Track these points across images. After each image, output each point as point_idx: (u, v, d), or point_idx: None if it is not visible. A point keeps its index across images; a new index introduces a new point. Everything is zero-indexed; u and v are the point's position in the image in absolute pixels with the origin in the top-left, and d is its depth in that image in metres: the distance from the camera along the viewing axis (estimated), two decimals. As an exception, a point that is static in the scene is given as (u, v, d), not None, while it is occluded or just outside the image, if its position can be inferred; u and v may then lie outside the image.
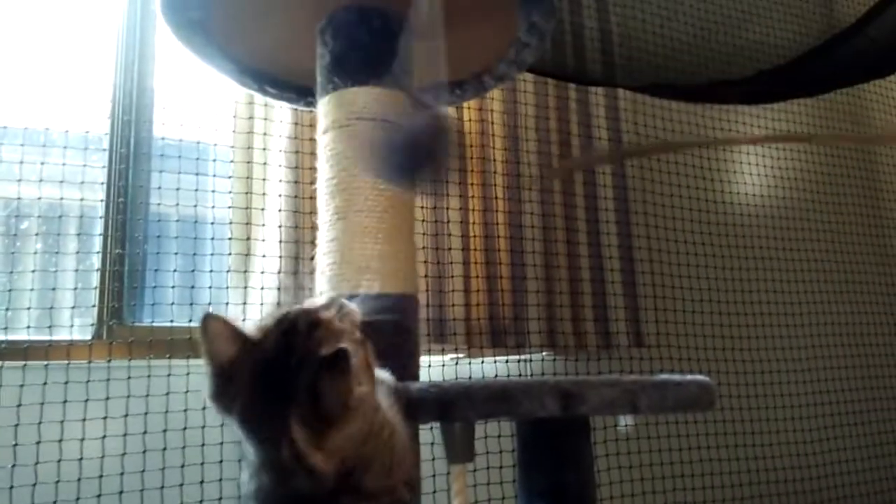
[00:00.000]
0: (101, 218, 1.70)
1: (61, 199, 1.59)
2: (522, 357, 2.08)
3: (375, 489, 0.62)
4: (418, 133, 0.88)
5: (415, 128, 0.90)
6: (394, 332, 0.97)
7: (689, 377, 0.93)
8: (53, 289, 1.56)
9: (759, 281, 2.61)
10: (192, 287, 1.65)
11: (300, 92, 1.29)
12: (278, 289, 1.69)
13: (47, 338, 1.54)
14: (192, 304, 1.64)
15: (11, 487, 1.39)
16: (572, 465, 0.99)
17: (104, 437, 1.49)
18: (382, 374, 0.71)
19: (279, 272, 1.70)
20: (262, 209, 1.77)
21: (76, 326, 1.62)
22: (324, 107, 1.04)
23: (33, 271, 1.58)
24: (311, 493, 0.60)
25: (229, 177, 1.77)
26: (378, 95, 1.02)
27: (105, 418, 1.50)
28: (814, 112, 2.89)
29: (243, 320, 0.66)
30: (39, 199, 1.60)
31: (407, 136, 0.89)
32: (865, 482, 2.55)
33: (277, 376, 0.59)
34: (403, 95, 1.04)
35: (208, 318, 0.61)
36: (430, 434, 1.55)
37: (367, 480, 0.62)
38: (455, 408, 0.83)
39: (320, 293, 0.98)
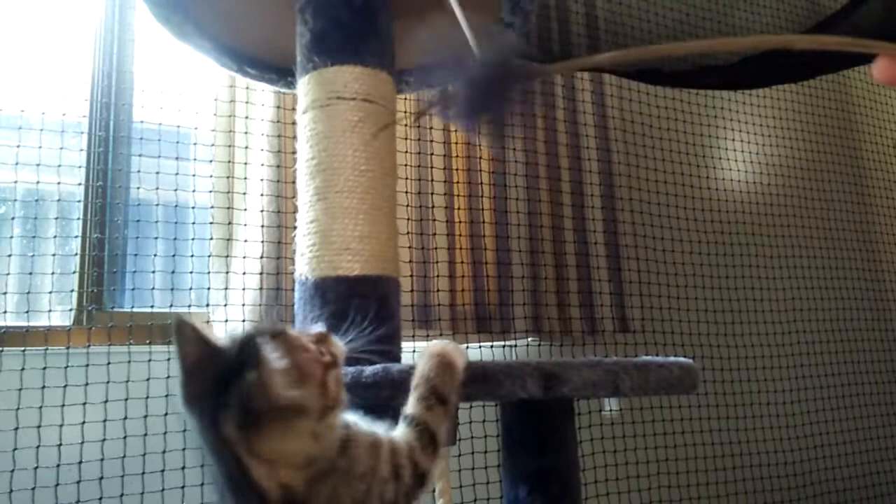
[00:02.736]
0: (79, 202, 1.67)
1: (38, 182, 1.57)
2: (508, 343, 2.08)
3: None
4: (490, 68, 0.86)
5: (486, 63, 0.88)
6: (375, 315, 0.96)
7: (671, 359, 0.93)
8: (30, 273, 1.53)
9: (745, 267, 2.63)
10: (173, 272, 1.63)
11: (281, 72, 1.27)
12: (260, 274, 1.68)
13: (26, 324, 1.52)
14: (172, 289, 1.62)
15: (-11, 474, 1.38)
16: (556, 448, 0.99)
17: (84, 423, 1.47)
18: (378, 430, 0.69)
19: (261, 257, 1.68)
20: (244, 193, 1.75)
21: (55, 312, 1.60)
22: (304, 86, 1.03)
23: (10, 256, 1.55)
24: None
25: (210, 161, 1.74)
26: (359, 74, 1.00)
27: (85, 404, 1.48)
28: (799, 98, 2.89)
29: (225, 320, 0.65)
30: (16, 183, 1.57)
31: (480, 72, 0.88)
32: (849, 465, 2.57)
33: (229, 381, 0.59)
34: (384, 74, 1.03)
35: (180, 323, 0.62)
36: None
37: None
38: (436, 389, 0.82)
39: (300, 274, 0.97)
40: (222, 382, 0.59)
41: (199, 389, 0.61)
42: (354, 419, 0.67)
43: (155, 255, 1.62)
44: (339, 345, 0.67)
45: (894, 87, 0.39)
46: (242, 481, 0.59)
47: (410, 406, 0.71)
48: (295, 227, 1.02)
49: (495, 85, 0.83)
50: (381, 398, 0.81)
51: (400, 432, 0.69)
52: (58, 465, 1.43)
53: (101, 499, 1.45)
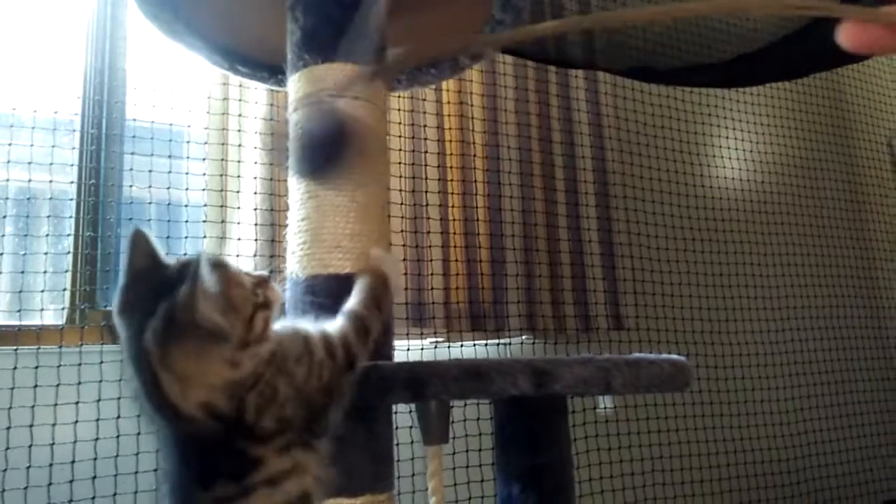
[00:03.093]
0: (72, 200, 1.67)
1: (30, 181, 1.56)
2: (502, 341, 2.08)
3: (272, 428, 0.64)
4: (322, 129, 0.94)
5: (318, 125, 0.96)
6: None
7: (663, 356, 0.93)
8: (23, 272, 1.53)
9: (738, 264, 2.63)
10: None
11: (272, 70, 1.26)
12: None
13: (18, 322, 1.51)
14: (166, 287, 1.61)
15: (-19, 473, 1.37)
16: (550, 446, 0.99)
17: (76, 422, 1.47)
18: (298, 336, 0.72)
19: (254, 255, 1.68)
20: (238, 191, 1.75)
21: (48, 310, 1.60)
22: (294, 84, 1.02)
23: (2, 254, 1.54)
24: (200, 439, 0.62)
25: (203, 159, 1.74)
26: (350, 72, 1.00)
27: (77, 403, 1.48)
28: (791, 95, 2.90)
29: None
30: (8, 181, 1.56)
31: (315, 132, 0.95)
32: (842, 462, 2.58)
33: (161, 296, 0.61)
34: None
35: (136, 233, 0.65)
36: (407, 417, 1.55)
37: (263, 420, 0.63)
38: (427, 387, 0.82)
39: (291, 273, 0.97)
40: (155, 296, 0.61)
41: (132, 299, 0.64)
42: (282, 323, 0.72)
43: (148, 254, 1.61)
44: (277, 291, 0.70)
45: (861, 53, 0.38)
46: (156, 395, 0.61)
47: (352, 304, 0.80)
48: (287, 226, 1.01)
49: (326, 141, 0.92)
50: (371, 396, 0.81)
51: (336, 322, 0.76)
52: (50, 465, 1.43)
53: (93, 498, 1.44)
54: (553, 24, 0.86)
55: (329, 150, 0.95)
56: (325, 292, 0.93)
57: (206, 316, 0.60)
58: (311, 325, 0.74)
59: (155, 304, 0.61)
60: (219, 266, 0.64)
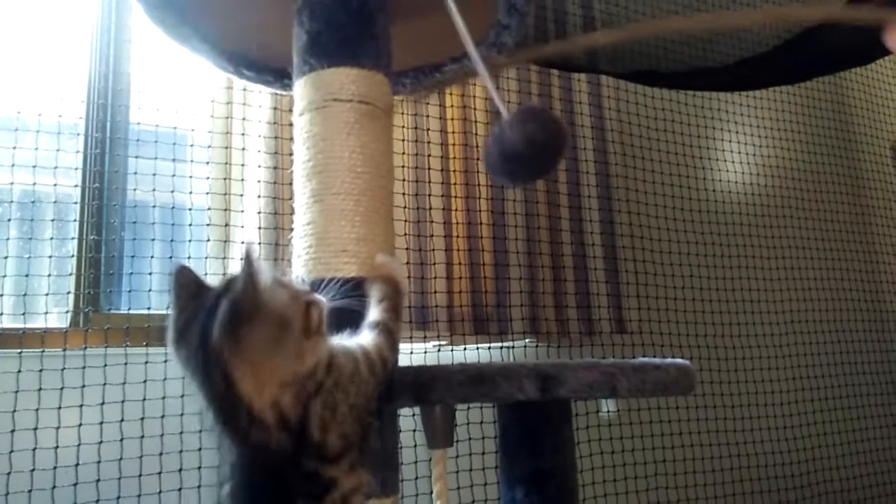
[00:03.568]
0: (76, 204, 1.67)
1: (34, 184, 1.56)
2: (505, 344, 2.08)
3: (339, 448, 0.64)
4: (534, 133, 0.92)
5: (529, 128, 0.93)
6: (371, 316, 0.96)
7: (668, 360, 0.93)
8: (27, 275, 1.53)
9: (742, 268, 2.63)
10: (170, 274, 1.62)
11: (277, 74, 1.27)
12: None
13: (22, 326, 1.51)
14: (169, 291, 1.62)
15: (-15, 477, 1.37)
16: (554, 450, 0.99)
17: (80, 425, 1.47)
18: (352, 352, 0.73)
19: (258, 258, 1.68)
20: (241, 195, 1.75)
21: (52, 313, 1.60)
22: (300, 89, 1.02)
23: (6, 258, 1.55)
24: (271, 456, 0.61)
25: (207, 162, 1.74)
26: (355, 76, 1.00)
27: (82, 406, 1.48)
28: (794, 99, 2.90)
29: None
30: (12, 184, 1.57)
31: (523, 136, 0.92)
32: (846, 466, 2.58)
33: (219, 302, 0.61)
34: (381, 76, 1.03)
35: (180, 269, 0.66)
36: (411, 421, 1.55)
37: (329, 439, 0.63)
38: (432, 391, 0.82)
39: (296, 276, 0.97)
40: (212, 307, 0.60)
41: (184, 324, 0.63)
42: (332, 342, 0.72)
43: (152, 257, 1.62)
44: (323, 300, 0.70)
45: None
46: (230, 401, 0.59)
47: (377, 315, 0.81)
48: (292, 229, 1.01)
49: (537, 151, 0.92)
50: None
51: (369, 337, 0.77)
52: (54, 468, 1.43)
53: (97, 501, 1.44)
54: (603, 35, 0.86)
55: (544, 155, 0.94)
56: (331, 296, 0.93)
57: (270, 297, 0.60)
58: (351, 343, 0.74)
59: (213, 311, 0.60)
60: (258, 273, 0.64)
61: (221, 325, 0.58)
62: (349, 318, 0.80)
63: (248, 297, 0.59)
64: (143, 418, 1.52)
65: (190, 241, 1.67)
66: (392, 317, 0.81)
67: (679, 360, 0.94)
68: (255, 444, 0.61)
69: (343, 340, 0.74)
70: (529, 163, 0.95)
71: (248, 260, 0.60)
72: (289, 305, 0.62)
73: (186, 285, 0.65)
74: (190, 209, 1.69)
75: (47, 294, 1.56)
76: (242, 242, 1.71)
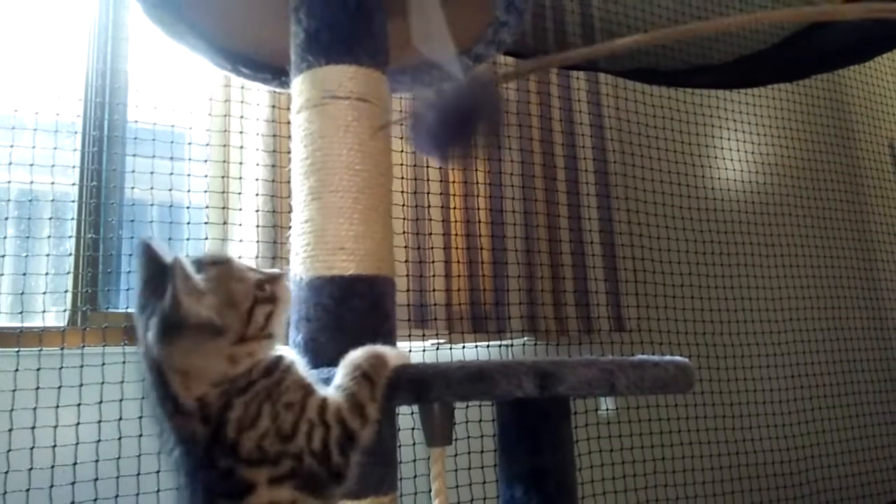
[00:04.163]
0: (74, 202, 1.67)
1: (31, 183, 1.56)
2: (503, 342, 2.07)
3: (254, 455, 0.63)
4: (466, 100, 0.87)
5: (461, 95, 0.88)
6: (370, 314, 0.95)
7: (667, 358, 0.93)
8: (24, 274, 1.53)
9: (740, 266, 2.63)
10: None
11: (275, 72, 1.26)
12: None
13: (20, 324, 1.51)
14: (167, 289, 1.61)
15: (-17, 476, 1.37)
16: (553, 448, 0.98)
17: (78, 424, 1.46)
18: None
19: (257, 257, 1.68)
20: (239, 193, 1.75)
21: (50, 312, 1.60)
22: (298, 86, 1.02)
23: (4, 256, 1.54)
24: (191, 445, 0.64)
25: (205, 160, 1.74)
26: (353, 74, 0.99)
27: (79, 405, 1.47)
28: (793, 97, 2.90)
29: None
30: (10, 183, 1.56)
31: (454, 104, 0.87)
32: (844, 464, 2.58)
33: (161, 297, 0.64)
34: (378, 74, 1.02)
35: (143, 242, 0.68)
36: (410, 419, 1.55)
37: (243, 441, 0.63)
38: (431, 388, 0.82)
39: (294, 275, 0.97)
40: (155, 298, 0.64)
41: (143, 301, 0.67)
42: (294, 358, 0.72)
43: (150, 256, 1.61)
44: (287, 289, 0.72)
45: None
46: (161, 389, 0.64)
47: (338, 378, 0.74)
48: (290, 227, 1.01)
49: (465, 117, 0.84)
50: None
51: (330, 393, 0.71)
52: (52, 467, 1.42)
53: (95, 500, 1.44)
54: (631, 40, 0.83)
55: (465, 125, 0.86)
56: (329, 294, 0.93)
57: (192, 312, 0.62)
58: (320, 388, 0.72)
59: (154, 305, 0.64)
60: (221, 262, 0.68)
61: (154, 334, 0.63)
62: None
63: (171, 310, 0.62)
64: (140, 417, 1.51)
65: (188, 239, 1.67)
66: (361, 384, 0.72)
67: (678, 358, 0.94)
68: (177, 428, 0.64)
69: (306, 372, 0.72)
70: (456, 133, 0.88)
71: (175, 273, 0.62)
72: (221, 313, 0.64)
73: (149, 260, 0.68)
74: (188, 207, 1.69)
75: (45, 293, 1.56)
76: (240, 241, 1.71)
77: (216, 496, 0.63)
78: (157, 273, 0.66)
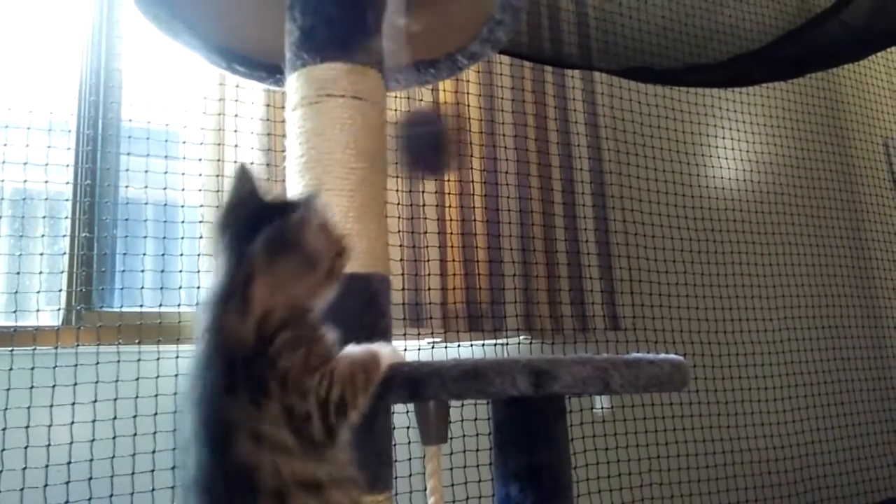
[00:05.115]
0: (68, 201, 1.66)
1: (25, 181, 1.55)
2: (499, 341, 2.08)
3: (289, 374, 0.67)
4: (419, 130, 0.99)
5: (414, 126, 1.01)
6: (365, 313, 0.95)
7: (661, 356, 0.93)
8: (18, 273, 1.52)
9: (735, 264, 2.64)
10: (163, 271, 1.62)
11: (270, 70, 1.26)
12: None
13: (14, 323, 1.50)
14: (162, 288, 1.61)
15: (-23, 475, 1.36)
16: (548, 446, 0.98)
17: (72, 423, 1.46)
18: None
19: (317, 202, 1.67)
20: (235, 192, 1.74)
21: (44, 311, 1.59)
22: (292, 84, 1.02)
23: (-3, 255, 1.54)
24: (235, 343, 0.67)
25: (200, 159, 1.73)
26: (348, 72, 0.99)
27: (74, 404, 1.47)
28: (788, 96, 2.91)
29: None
30: (3, 181, 1.55)
31: (413, 133, 1.00)
32: (839, 461, 2.59)
33: (272, 217, 0.70)
34: (373, 72, 1.02)
35: (242, 167, 0.77)
36: (405, 417, 1.55)
37: (283, 359, 0.67)
38: (426, 387, 0.82)
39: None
40: (255, 219, 0.70)
41: (232, 219, 0.73)
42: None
43: (144, 255, 1.61)
44: (349, 250, 0.78)
45: None
46: (237, 290, 0.68)
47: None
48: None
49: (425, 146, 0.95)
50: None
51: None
52: (46, 466, 1.42)
53: (90, 499, 1.44)
54: None
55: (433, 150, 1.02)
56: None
57: (314, 239, 0.70)
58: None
59: (254, 224, 0.69)
60: (322, 208, 0.73)
61: (265, 241, 0.68)
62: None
63: (297, 231, 0.69)
64: (135, 416, 1.51)
65: (183, 238, 1.66)
66: (355, 373, 0.74)
67: (672, 356, 0.94)
68: (229, 327, 0.67)
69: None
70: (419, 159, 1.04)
71: (308, 201, 0.71)
72: (324, 251, 0.72)
73: (244, 184, 0.75)
74: (182, 206, 1.69)
75: (39, 292, 1.55)
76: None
77: (238, 389, 0.65)
78: (251, 197, 0.74)
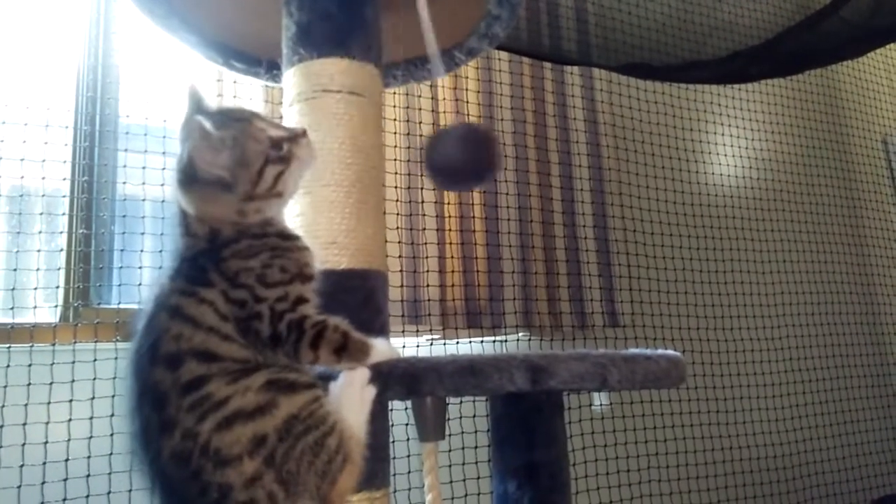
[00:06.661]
0: (65, 198, 1.66)
1: (22, 178, 1.55)
2: (498, 338, 2.07)
3: (230, 275, 0.69)
4: (466, 144, 1.01)
5: (461, 139, 1.02)
6: (362, 309, 0.95)
7: (659, 352, 0.93)
8: (16, 270, 1.52)
9: (733, 261, 2.63)
10: (160, 268, 1.61)
11: (267, 66, 1.26)
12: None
13: (11, 320, 1.50)
14: (160, 285, 1.61)
15: (-26, 472, 1.36)
16: (546, 443, 0.98)
17: (70, 420, 1.46)
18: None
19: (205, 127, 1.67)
20: (232, 189, 1.74)
21: (41, 308, 1.59)
22: (289, 79, 1.02)
23: (-6, 252, 1.53)
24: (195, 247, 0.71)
25: (198, 155, 1.73)
26: (345, 67, 0.99)
27: (71, 401, 1.47)
28: (787, 93, 2.90)
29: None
30: (0, 178, 1.55)
31: (457, 147, 1.01)
32: (836, 458, 2.59)
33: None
34: (371, 67, 1.02)
35: (192, 87, 0.77)
36: (403, 414, 1.55)
37: (230, 263, 0.70)
38: (423, 382, 0.82)
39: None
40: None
41: (183, 136, 0.74)
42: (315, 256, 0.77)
43: (142, 251, 1.61)
44: (308, 148, 0.76)
45: None
46: (183, 221, 0.72)
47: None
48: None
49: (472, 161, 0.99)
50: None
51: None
52: (44, 463, 1.42)
53: (87, 496, 1.43)
54: None
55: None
56: (321, 288, 0.93)
57: (205, 169, 0.69)
58: (313, 296, 0.76)
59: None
60: (240, 119, 0.73)
61: (175, 181, 0.72)
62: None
63: (188, 167, 0.70)
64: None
65: (180, 234, 1.66)
66: (333, 332, 0.74)
67: (669, 352, 0.94)
68: (186, 248, 0.72)
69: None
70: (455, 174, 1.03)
71: (194, 130, 0.70)
72: (233, 171, 0.70)
73: (194, 105, 0.76)
74: (180, 203, 1.68)
75: (36, 288, 1.55)
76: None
77: (210, 272, 0.69)
78: (196, 110, 0.74)
